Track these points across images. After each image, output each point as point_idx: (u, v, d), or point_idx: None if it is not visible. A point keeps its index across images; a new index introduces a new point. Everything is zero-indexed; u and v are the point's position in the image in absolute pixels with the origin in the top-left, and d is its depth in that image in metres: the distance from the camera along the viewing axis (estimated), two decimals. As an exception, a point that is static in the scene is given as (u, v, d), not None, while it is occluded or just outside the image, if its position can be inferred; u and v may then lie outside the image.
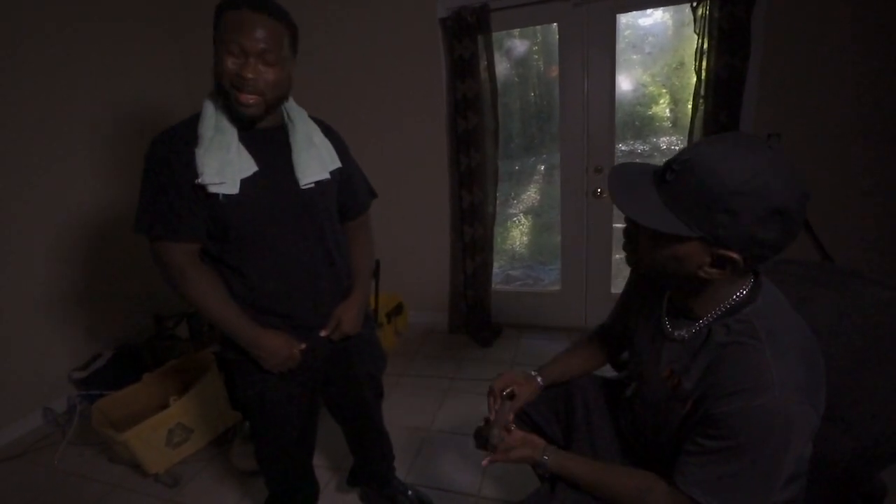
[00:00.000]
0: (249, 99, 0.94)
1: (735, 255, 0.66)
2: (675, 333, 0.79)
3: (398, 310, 2.79)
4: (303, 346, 1.12)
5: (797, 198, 0.63)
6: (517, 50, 2.68)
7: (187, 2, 2.77)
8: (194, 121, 0.99)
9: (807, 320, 0.88)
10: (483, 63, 2.31)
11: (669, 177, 0.68)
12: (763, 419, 0.64)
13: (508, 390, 1.03)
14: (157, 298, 2.70)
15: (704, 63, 2.03)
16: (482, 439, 0.94)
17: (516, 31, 2.57)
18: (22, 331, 2.19)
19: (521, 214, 3.13)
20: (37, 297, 2.24)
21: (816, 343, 0.72)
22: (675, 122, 2.60)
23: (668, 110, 2.65)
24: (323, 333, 1.16)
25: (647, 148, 2.64)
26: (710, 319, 0.74)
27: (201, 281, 1.02)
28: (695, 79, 2.08)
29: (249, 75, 0.91)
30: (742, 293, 0.73)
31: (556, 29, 2.34)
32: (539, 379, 1.06)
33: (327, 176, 1.09)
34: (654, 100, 2.64)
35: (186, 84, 2.91)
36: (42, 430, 2.20)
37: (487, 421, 0.99)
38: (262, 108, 0.97)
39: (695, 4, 1.99)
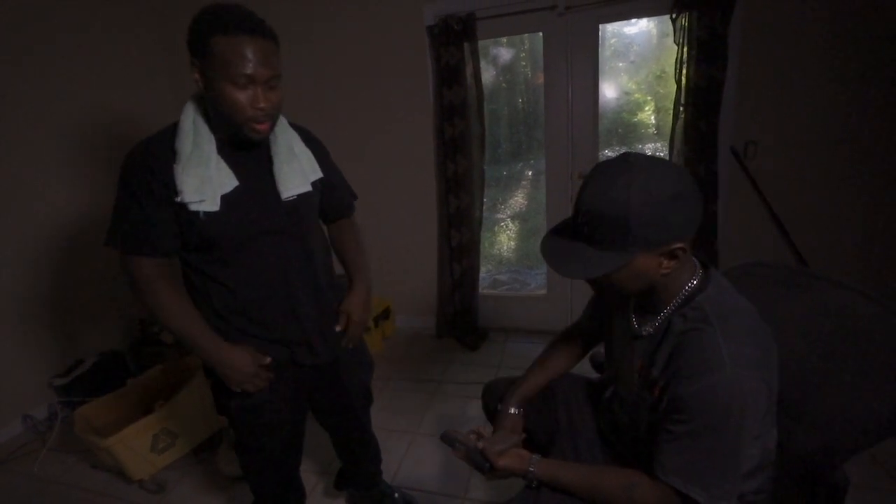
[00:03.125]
0: (265, 127, 0.93)
1: (678, 244, 0.73)
2: (643, 330, 0.85)
3: (385, 314, 2.80)
4: (268, 359, 1.07)
5: (677, 178, 0.72)
6: (504, 57, 2.73)
7: (174, 9, 2.77)
8: (171, 133, 0.95)
9: (778, 321, 0.92)
10: (469, 70, 2.34)
11: (586, 230, 0.76)
12: (719, 396, 0.69)
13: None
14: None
15: (684, 72, 2.09)
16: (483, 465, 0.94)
17: (504, 39, 2.62)
18: (0, 337, 2.16)
19: (508, 219, 3.16)
20: (16, 302, 2.21)
21: (766, 326, 0.77)
22: (659, 130, 2.65)
23: (652, 117, 2.71)
24: (338, 328, 1.15)
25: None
26: (670, 311, 0.81)
27: (166, 294, 0.99)
28: (675, 87, 2.14)
29: (264, 105, 0.90)
30: (693, 283, 0.80)
31: (542, 37, 2.38)
32: (517, 412, 1.07)
33: (309, 188, 1.07)
34: (639, 107, 2.69)
35: (171, 90, 2.89)
36: (21, 437, 2.17)
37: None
38: (270, 130, 0.97)
39: (674, 16, 2.04)
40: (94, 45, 2.47)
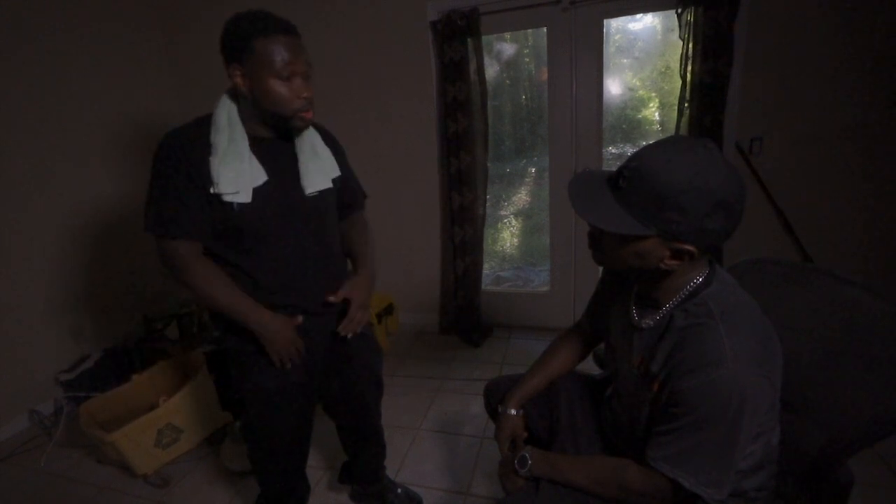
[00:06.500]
0: (310, 115, 1.03)
1: (690, 247, 0.72)
2: (643, 323, 0.84)
3: (389, 310, 2.80)
4: (300, 318, 1.13)
5: (736, 190, 0.70)
6: (507, 53, 2.72)
7: (179, 8, 2.78)
8: (204, 127, 1.01)
9: (783, 317, 0.92)
10: (473, 66, 2.33)
11: (622, 183, 0.74)
12: (719, 391, 0.68)
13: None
14: (147, 300, 2.69)
15: (689, 68, 2.07)
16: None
17: (507, 35, 2.60)
18: (7, 333, 2.17)
19: (511, 216, 3.15)
20: (23, 298, 2.22)
21: (769, 322, 0.77)
22: (664, 126, 2.64)
23: (656, 114, 2.69)
24: (330, 298, 1.17)
25: (636, 151, 2.68)
26: (672, 306, 0.80)
27: (206, 270, 1.05)
28: (680, 83, 2.12)
29: (307, 94, 1.00)
30: (698, 280, 0.78)
31: (546, 33, 2.37)
32: (517, 413, 1.09)
33: (330, 185, 1.16)
34: (643, 103, 2.68)
35: (177, 88, 2.90)
36: (28, 432, 2.19)
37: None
38: (312, 119, 1.06)
39: (680, 11, 2.03)
40: (102, 46, 2.49)
